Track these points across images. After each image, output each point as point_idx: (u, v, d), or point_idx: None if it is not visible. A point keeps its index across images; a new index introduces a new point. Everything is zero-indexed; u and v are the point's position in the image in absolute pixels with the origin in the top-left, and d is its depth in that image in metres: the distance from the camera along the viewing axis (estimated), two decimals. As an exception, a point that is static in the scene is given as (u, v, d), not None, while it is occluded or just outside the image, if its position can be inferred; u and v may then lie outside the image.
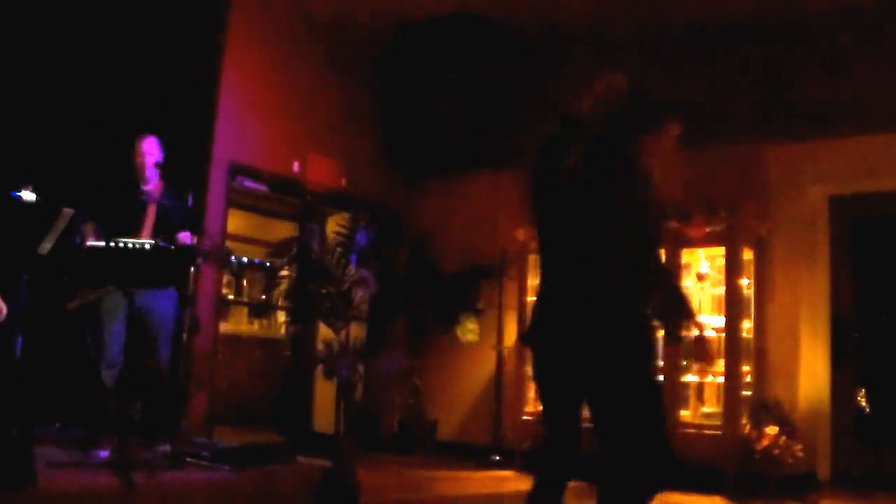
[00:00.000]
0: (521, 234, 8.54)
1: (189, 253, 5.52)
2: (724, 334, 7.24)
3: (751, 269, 7.63)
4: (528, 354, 8.59)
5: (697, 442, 7.00)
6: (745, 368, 7.39)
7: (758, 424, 7.10)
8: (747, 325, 7.46)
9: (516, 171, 9.23)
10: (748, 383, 7.40)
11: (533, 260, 8.74)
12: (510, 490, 7.37)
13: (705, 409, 7.54)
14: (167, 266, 5.12)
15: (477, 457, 8.56)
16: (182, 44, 7.75)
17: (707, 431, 7.24)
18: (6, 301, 5.25)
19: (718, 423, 7.20)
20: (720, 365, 7.17)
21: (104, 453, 5.03)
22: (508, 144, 9.44)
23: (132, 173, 6.07)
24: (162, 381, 5.87)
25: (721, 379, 7.23)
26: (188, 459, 5.17)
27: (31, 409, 5.95)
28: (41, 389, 6.38)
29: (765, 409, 7.27)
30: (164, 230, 5.89)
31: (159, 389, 5.91)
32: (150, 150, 6.02)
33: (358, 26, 8.99)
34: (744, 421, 7.18)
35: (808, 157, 7.85)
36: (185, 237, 5.89)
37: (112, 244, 4.93)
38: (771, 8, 7.74)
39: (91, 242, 5.42)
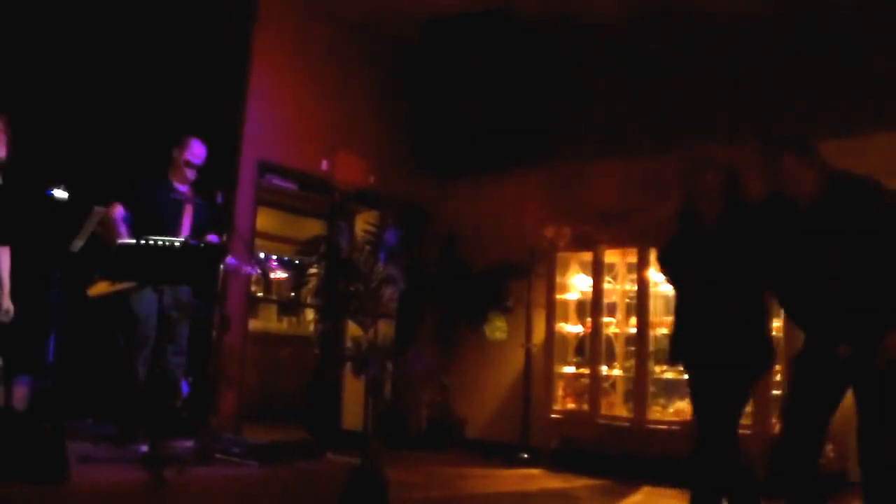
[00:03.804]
0: (549, 232, 8.52)
1: (218, 251, 5.55)
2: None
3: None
4: (553, 353, 8.61)
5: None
6: (776, 368, 7.32)
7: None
8: (777, 324, 7.39)
9: (544, 169, 9.30)
10: (778, 382, 7.34)
11: (561, 258, 8.73)
12: (538, 488, 7.37)
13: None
14: (197, 263, 5.13)
15: (505, 454, 8.57)
16: (212, 44, 7.80)
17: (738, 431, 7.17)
18: (39, 298, 5.32)
19: (748, 422, 7.14)
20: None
21: (142, 448, 5.06)
22: (537, 143, 9.45)
23: (166, 172, 6.08)
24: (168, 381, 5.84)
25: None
26: (217, 455, 5.19)
27: (64, 404, 6.02)
28: (74, 385, 6.45)
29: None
30: (201, 230, 5.94)
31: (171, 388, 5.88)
32: (198, 152, 6.04)
33: (386, 25, 9.00)
34: (773, 420, 7.12)
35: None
36: (212, 239, 5.93)
37: (142, 241, 4.97)
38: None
39: (119, 235, 5.48)
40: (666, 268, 4.58)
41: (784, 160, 3.95)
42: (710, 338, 4.22)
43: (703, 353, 4.27)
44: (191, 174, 6.04)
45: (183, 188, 6.06)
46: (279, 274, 8.45)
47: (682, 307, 4.46)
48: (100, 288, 5.51)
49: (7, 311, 5.10)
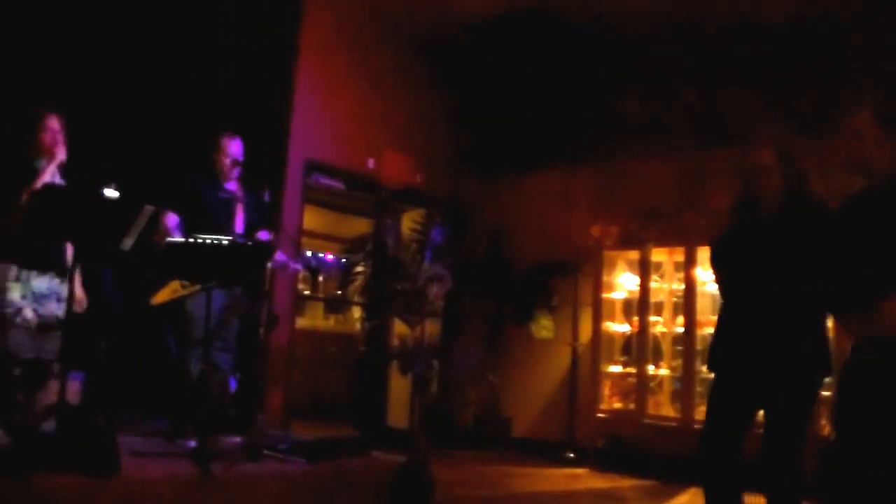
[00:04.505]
0: (595, 231, 8.49)
1: (266, 249, 5.60)
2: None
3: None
4: (600, 355, 8.58)
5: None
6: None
7: (838, 425, 6.94)
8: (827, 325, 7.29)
9: (591, 167, 9.26)
10: (828, 384, 7.23)
11: (607, 256, 8.69)
12: (584, 487, 7.35)
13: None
14: (245, 261, 5.18)
15: (551, 454, 8.56)
16: (260, 44, 7.87)
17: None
18: (91, 295, 5.41)
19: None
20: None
21: (191, 443, 5.12)
22: (583, 140, 9.42)
23: (213, 172, 6.15)
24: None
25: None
26: (265, 452, 5.24)
27: (115, 399, 6.11)
28: (125, 380, 6.54)
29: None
30: (253, 228, 5.99)
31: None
32: (235, 150, 6.09)
33: (431, 24, 9.00)
34: (823, 421, 7.03)
35: None
36: (263, 235, 5.98)
37: (191, 240, 5.03)
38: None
39: (171, 238, 5.53)
40: (718, 260, 4.36)
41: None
42: (768, 343, 4.02)
43: (757, 359, 4.06)
44: (235, 172, 6.09)
45: (231, 187, 6.11)
46: (328, 269, 8.45)
47: (734, 310, 4.22)
48: (163, 296, 5.59)
49: (80, 302, 5.23)
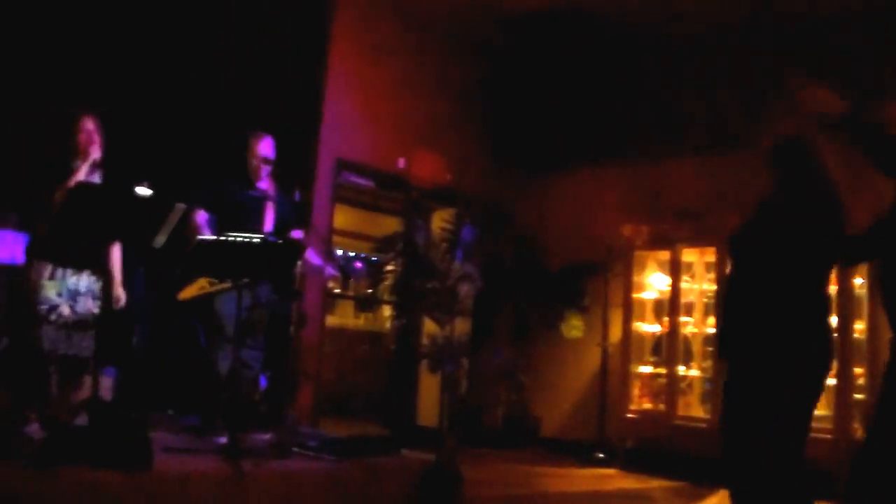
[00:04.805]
0: (626, 231, 8.46)
1: (295, 247, 5.62)
2: (835, 335, 7.04)
3: (864, 268, 7.39)
4: (630, 351, 8.55)
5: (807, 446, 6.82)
6: (858, 371, 7.16)
7: (872, 428, 6.88)
8: (859, 327, 7.23)
9: (622, 167, 9.22)
10: (861, 386, 7.17)
11: (638, 256, 8.66)
12: (613, 488, 7.33)
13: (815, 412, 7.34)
14: (275, 260, 5.20)
15: (580, 454, 8.53)
16: (290, 42, 7.91)
17: (817, 435, 7.03)
18: (125, 292, 5.47)
19: (829, 426, 7.00)
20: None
21: (221, 440, 5.16)
22: (612, 139, 9.39)
23: (245, 171, 6.18)
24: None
25: (832, 381, 7.02)
26: (294, 449, 5.26)
27: (147, 395, 6.17)
28: (157, 377, 6.61)
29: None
30: (284, 227, 6.01)
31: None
32: (265, 149, 6.11)
33: (464, 23, 9.00)
34: (856, 425, 6.97)
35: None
36: (296, 234, 6.01)
37: (222, 237, 5.07)
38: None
39: (201, 236, 5.57)
40: (736, 248, 4.32)
41: None
42: (776, 331, 3.89)
43: (765, 347, 3.91)
44: (266, 170, 6.12)
45: (263, 185, 6.13)
46: (360, 274, 8.43)
47: (743, 296, 4.11)
48: (190, 292, 5.64)
49: (118, 300, 5.31)
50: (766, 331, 3.90)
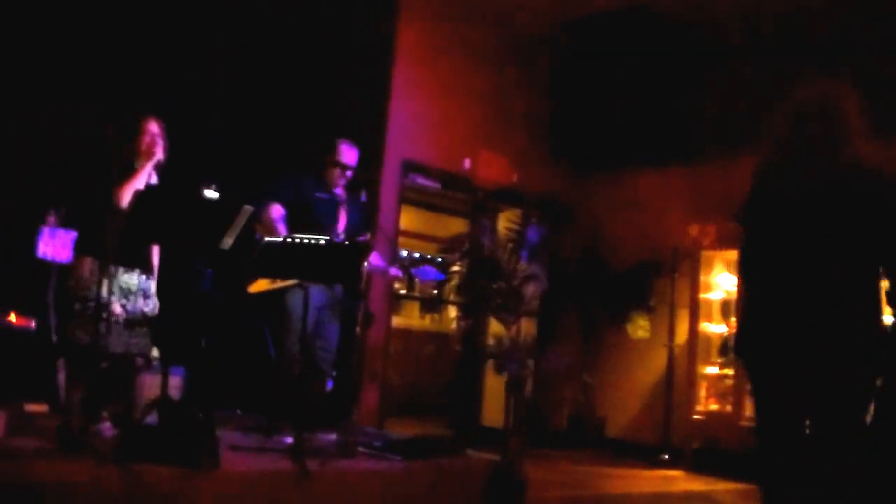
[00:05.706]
0: (693, 230, 8.37)
1: (361, 249, 5.65)
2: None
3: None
4: (698, 353, 8.45)
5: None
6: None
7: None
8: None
9: (688, 166, 9.11)
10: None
11: (705, 256, 8.56)
12: (679, 490, 7.26)
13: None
14: (341, 261, 5.24)
15: (645, 455, 8.47)
16: (356, 45, 7.98)
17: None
18: (192, 293, 5.54)
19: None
20: None
21: (287, 439, 5.21)
22: (680, 138, 9.28)
23: (321, 173, 6.18)
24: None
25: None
26: (360, 449, 5.29)
27: (214, 394, 6.26)
28: (224, 377, 6.70)
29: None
30: (354, 231, 6.06)
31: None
32: (350, 158, 6.16)
33: (526, 24, 8.99)
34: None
35: None
36: (365, 238, 6.04)
37: (288, 239, 5.13)
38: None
39: (274, 232, 5.64)
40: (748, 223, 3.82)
41: None
42: (813, 327, 3.36)
43: (799, 346, 3.40)
44: (345, 177, 6.16)
45: (337, 190, 6.17)
46: (429, 277, 8.42)
47: (766, 289, 3.59)
48: (260, 286, 5.72)
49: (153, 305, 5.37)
50: (812, 329, 3.36)
